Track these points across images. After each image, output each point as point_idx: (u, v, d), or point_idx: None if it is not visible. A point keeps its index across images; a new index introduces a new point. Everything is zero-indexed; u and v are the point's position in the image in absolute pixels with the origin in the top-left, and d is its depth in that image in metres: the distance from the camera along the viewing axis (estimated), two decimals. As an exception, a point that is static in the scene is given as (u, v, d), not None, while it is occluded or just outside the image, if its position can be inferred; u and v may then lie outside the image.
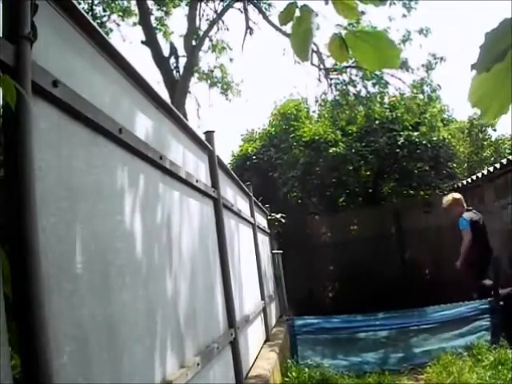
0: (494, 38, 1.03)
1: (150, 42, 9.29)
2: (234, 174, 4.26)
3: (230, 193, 3.95)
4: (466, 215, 5.89)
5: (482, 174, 7.17)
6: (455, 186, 8.69)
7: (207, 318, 2.61)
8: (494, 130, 13.85)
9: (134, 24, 10.18)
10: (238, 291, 3.65)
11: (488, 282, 5.56)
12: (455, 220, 5.98)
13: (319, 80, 9.66)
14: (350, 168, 9.28)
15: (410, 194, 9.64)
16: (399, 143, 9.04)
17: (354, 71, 9.56)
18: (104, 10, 10.16)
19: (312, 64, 9.29)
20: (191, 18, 9.65)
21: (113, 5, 10.17)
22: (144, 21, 9.31)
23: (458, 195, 6.20)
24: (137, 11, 9.72)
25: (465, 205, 6.09)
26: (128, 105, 1.81)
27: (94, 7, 9.83)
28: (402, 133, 9.16)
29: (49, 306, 1.06)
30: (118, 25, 10.45)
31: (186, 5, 9.90)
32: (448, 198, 6.18)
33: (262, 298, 5.12)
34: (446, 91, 24.26)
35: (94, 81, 1.53)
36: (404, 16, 9.47)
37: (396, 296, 6.47)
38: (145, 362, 1.65)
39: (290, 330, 5.43)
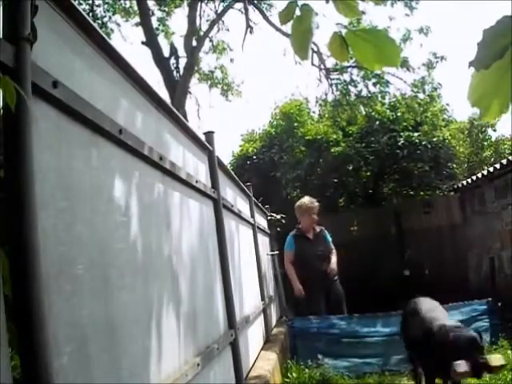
0: (493, 35, 1.02)
1: (151, 42, 9.29)
2: (234, 175, 4.26)
3: (229, 193, 3.95)
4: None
5: (482, 174, 7.16)
6: (455, 186, 8.69)
7: (207, 318, 2.61)
8: (494, 131, 13.83)
9: (136, 25, 10.19)
10: (238, 292, 3.65)
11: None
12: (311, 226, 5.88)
13: (320, 80, 9.67)
14: (351, 168, 9.28)
15: (410, 194, 9.64)
16: (399, 144, 9.03)
17: (354, 71, 9.57)
18: (105, 11, 10.18)
19: (312, 64, 9.30)
20: (191, 18, 9.66)
21: (114, 5, 10.18)
22: (144, 21, 9.32)
23: None
24: (137, 12, 9.73)
25: None
26: (128, 105, 1.81)
27: (95, 7, 9.85)
28: (402, 133, 9.15)
29: (48, 306, 1.06)
30: (119, 25, 10.48)
31: (188, 5, 9.91)
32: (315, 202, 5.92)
33: (262, 299, 5.12)
34: (446, 91, 24.26)
35: (94, 81, 1.53)
36: (406, 15, 9.49)
37: (396, 296, 6.46)
38: (144, 363, 1.65)
39: (290, 331, 5.43)
